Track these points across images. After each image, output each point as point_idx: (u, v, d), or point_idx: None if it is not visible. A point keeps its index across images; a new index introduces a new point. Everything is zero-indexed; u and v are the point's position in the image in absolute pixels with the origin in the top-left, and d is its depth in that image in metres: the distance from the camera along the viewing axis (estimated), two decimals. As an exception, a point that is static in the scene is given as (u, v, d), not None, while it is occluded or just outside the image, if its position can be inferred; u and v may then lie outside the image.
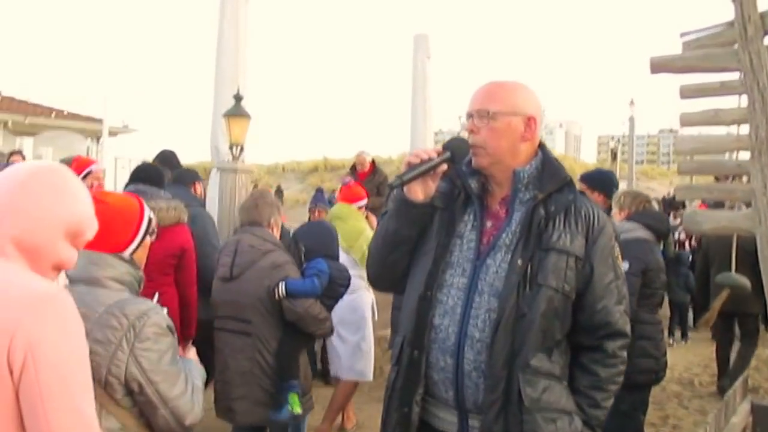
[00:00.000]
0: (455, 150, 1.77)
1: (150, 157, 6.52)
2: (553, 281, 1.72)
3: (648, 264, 3.60)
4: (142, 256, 1.96)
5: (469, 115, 1.84)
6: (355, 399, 4.57)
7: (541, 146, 1.87)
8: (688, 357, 7.22)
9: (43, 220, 1.37)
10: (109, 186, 11.58)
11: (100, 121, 16.41)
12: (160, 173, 3.92)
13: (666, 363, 3.81)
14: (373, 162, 7.73)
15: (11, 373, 1.21)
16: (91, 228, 1.50)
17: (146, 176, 3.76)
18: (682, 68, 3.14)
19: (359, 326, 4.30)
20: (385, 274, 1.93)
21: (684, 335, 8.19)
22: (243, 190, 6.44)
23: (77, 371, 1.29)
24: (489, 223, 1.81)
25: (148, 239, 1.96)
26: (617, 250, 1.85)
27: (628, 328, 1.86)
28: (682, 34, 3.18)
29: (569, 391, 1.77)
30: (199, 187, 4.45)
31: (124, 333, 1.76)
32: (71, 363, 1.28)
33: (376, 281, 2.08)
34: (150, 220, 1.97)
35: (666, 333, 8.04)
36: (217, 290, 3.21)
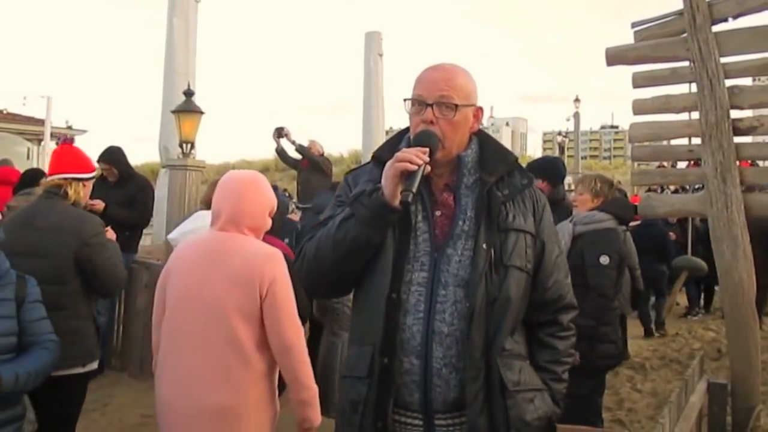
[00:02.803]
0: (432, 146, 1.66)
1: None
2: (518, 261, 1.70)
3: (621, 255, 3.65)
4: None
5: (425, 102, 1.70)
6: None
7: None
8: (638, 341, 7.40)
9: (260, 211, 2.42)
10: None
11: (41, 122, 15.74)
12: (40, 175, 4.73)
13: (623, 346, 3.87)
14: (321, 155, 7.63)
15: (260, 297, 2.26)
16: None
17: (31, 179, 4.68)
18: (634, 59, 3.18)
19: None
20: (339, 282, 1.77)
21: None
22: (193, 188, 6.22)
23: (291, 297, 2.32)
24: (438, 212, 1.72)
25: None
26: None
27: (575, 301, 1.86)
28: (633, 25, 3.22)
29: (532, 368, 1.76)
30: None
31: None
32: (290, 292, 2.31)
33: (325, 290, 1.91)
34: None
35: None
36: None
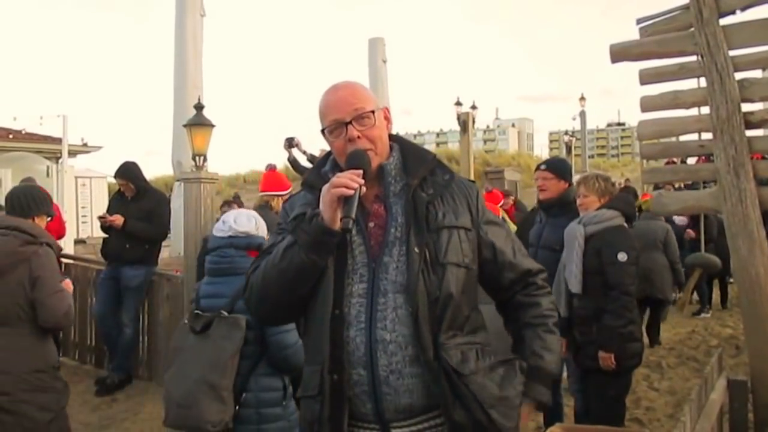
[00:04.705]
0: (364, 166, 1.66)
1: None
2: (454, 257, 1.70)
3: (637, 250, 3.58)
4: None
5: (342, 123, 1.71)
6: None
7: (391, 136, 1.83)
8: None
9: None
10: (69, 206, 11.11)
11: (58, 140, 15.87)
12: None
13: (643, 345, 3.79)
14: None
15: None
16: None
17: None
18: (639, 55, 3.11)
19: None
20: (288, 309, 1.76)
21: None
22: (208, 200, 6.23)
23: None
24: (371, 224, 1.73)
25: None
26: None
27: (538, 266, 1.89)
28: (638, 21, 3.15)
29: (504, 338, 1.78)
30: None
31: None
32: None
33: (275, 317, 1.91)
34: None
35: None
36: None
